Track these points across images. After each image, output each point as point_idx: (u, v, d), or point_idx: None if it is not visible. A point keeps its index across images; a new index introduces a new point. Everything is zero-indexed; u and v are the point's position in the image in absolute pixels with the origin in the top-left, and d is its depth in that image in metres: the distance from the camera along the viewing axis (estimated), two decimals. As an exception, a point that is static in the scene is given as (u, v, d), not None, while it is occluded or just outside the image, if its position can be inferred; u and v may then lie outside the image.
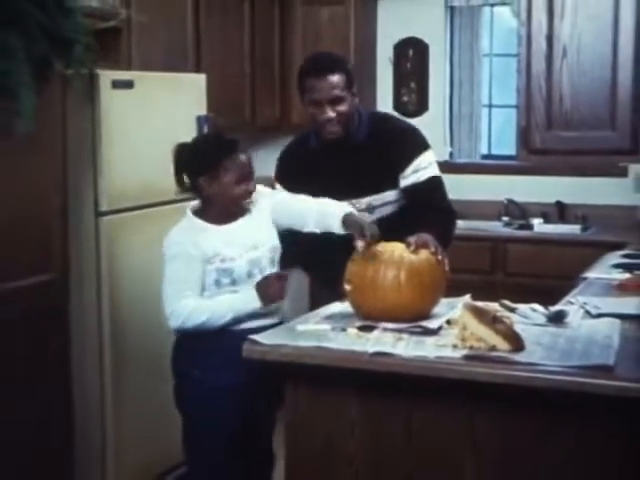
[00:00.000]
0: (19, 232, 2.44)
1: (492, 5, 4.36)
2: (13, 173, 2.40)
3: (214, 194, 2.18)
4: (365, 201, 2.37)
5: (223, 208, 2.20)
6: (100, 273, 2.70)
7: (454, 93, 4.39)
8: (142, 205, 2.80)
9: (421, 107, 4.30)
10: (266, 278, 2.17)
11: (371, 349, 1.82)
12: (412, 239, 2.06)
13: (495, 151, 4.58)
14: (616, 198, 3.93)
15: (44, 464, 2.56)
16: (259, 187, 2.26)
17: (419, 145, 2.40)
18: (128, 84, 2.73)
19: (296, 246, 2.34)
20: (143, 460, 2.84)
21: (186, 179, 2.22)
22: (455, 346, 1.81)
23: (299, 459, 1.94)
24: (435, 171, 2.41)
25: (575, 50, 3.64)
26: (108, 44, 2.83)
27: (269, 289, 2.15)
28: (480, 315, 1.83)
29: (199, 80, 3.14)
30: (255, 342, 1.93)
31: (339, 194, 2.24)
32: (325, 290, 2.39)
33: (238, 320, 2.16)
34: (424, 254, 2.04)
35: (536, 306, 2.08)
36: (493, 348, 1.77)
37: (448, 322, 1.97)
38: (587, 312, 2.12)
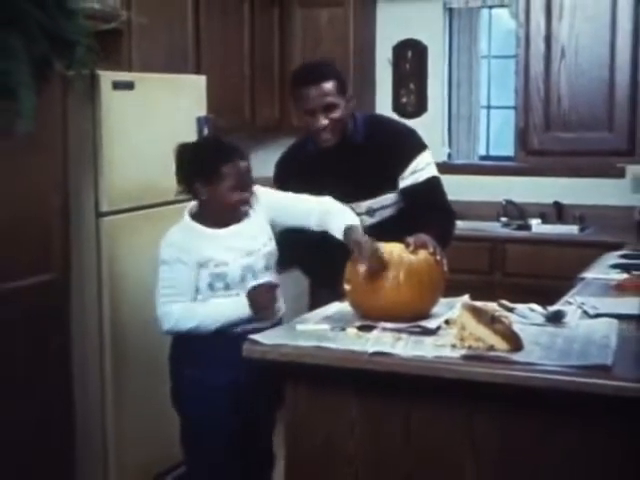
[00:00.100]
0: (20, 232, 2.45)
1: (490, 7, 4.38)
2: (14, 173, 2.41)
3: (209, 199, 2.17)
4: (365, 204, 2.37)
5: (218, 213, 2.20)
6: (101, 273, 2.70)
7: (453, 94, 4.41)
8: (142, 206, 2.81)
9: (420, 108, 4.31)
10: (257, 287, 2.16)
11: (370, 349, 1.83)
12: (411, 239, 2.06)
13: (493, 152, 4.59)
14: (614, 199, 3.95)
15: (45, 464, 2.56)
16: (258, 187, 2.25)
17: (416, 146, 2.40)
18: (129, 85, 2.73)
19: (296, 246, 2.35)
20: (144, 460, 2.85)
21: (184, 181, 2.22)
22: (454, 346, 1.82)
23: (299, 459, 1.95)
24: (433, 172, 2.41)
25: (573, 51, 3.66)
26: (109, 45, 2.82)
27: (259, 298, 2.14)
28: (479, 315, 1.83)
29: (199, 81, 3.15)
30: (255, 342, 1.94)
31: (338, 198, 2.24)
32: (325, 290, 2.40)
33: (233, 324, 2.16)
34: (423, 254, 2.05)
35: (534, 306, 2.09)
36: (491, 348, 1.78)
37: (447, 322, 1.98)
38: (585, 312, 2.12)
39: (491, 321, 1.82)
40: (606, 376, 1.65)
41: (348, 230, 2.11)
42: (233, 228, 2.21)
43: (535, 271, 3.64)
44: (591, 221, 3.95)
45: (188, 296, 2.18)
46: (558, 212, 4.07)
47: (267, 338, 1.96)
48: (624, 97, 3.60)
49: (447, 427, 1.81)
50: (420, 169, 2.37)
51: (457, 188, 3.60)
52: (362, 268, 2.00)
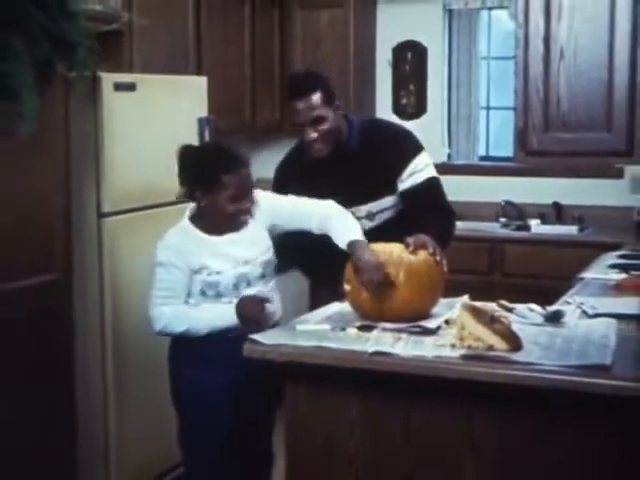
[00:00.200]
0: (22, 232, 2.46)
1: (490, 8, 4.38)
2: (16, 174, 2.42)
3: (209, 207, 2.17)
4: (364, 208, 2.37)
5: (217, 221, 2.19)
6: (102, 273, 2.71)
7: (452, 95, 4.41)
8: (144, 206, 2.82)
9: (420, 109, 4.32)
10: (245, 299, 2.15)
11: (370, 349, 1.83)
12: (411, 240, 2.07)
13: (493, 153, 4.60)
14: (612, 199, 3.96)
15: (47, 463, 2.57)
16: (258, 192, 2.24)
17: (413, 148, 2.40)
18: (130, 86, 2.74)
19: (296, 247, 2.35)
20: (145, 459, 2.85)
21: (185, 185, 2.21)
22: (453, 346, 1.82)
23: (299, 458, 1.95)
24: (432, 172, 2.40)
25: (572, 52, 3.66)
26: (110, 47, 2.83)
27: (247, 310, 2.14)
28: (478, 315, 1.84)
29: (200, 82, 3.16)
30: (255, 342, 1.94)
31: (338, 203, 2.23)
32: (325, 290, 2.41)
33: (223, 331, 2.15)
34: (422, 255, 2.06)
35: (533, 306, 2.10)
36: (491, 348, 1.78)
37: (446, 322, 1.98)
38: (584, 312, 2.13)
39: (490, 321, 1.82)
40: (605, 376, 1.66)
41: (352, 245, 2.09)
42: (231, 236, 2.20)
43: (534, 271, 3.64)
44: (590, 221, 3.96)
45: (181, 299, 2.19)
46: (557, 212, 4.08)
47: (267, 338, 1.96)
48: (623, 98, 3.61)
49: (447, 426, 1.81)
50: (418, 170, 2.37)
51: (457, 188, 3.62)
52: (366, 285, 2.00)
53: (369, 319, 2.03)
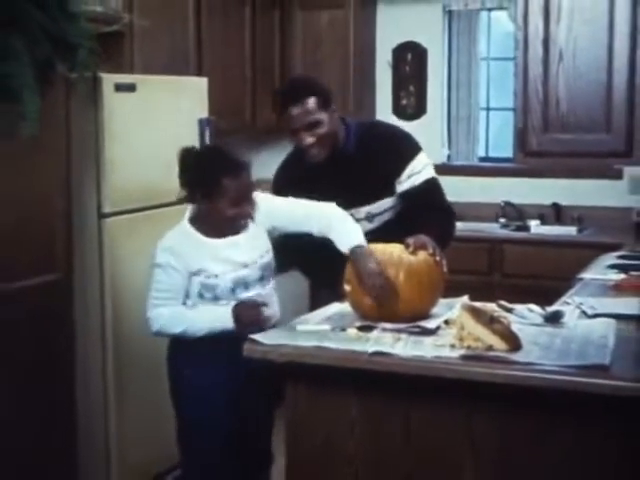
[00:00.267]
0: (23, 233, 2.46)
1: (489, 9, 4.39)
2: (17, 175, 2.43)
3: (208, 210, 2.17)
4: (363, 210, 2.37)
5: (216, 224, 2.19)
6: (103, 273, 2.72)
7: (452, 96, 4.42)
8: (144, 207, 2.82)
9: (419, 110, 4.33)
10: (241, 304, 2.16)
11: (370, 349, 1.84)
12: (410, 240, 2.08)
13: (492, 153, 4.61)
14: (611, 200, 3.96)
15: (48, 464, 2.58)
16: (258, 194, 2.23)
17: (411, 149, 2.39)
18: (131, 87, 2.75)
19: (296, 247, 2.35)
20: (146, 459, 2.86)
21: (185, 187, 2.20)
22: (453, 346, 1.83)
23: (299, 458, 1.95)
24: (430, 173, 2.40)
25: (571, 54, 3.68)
26: (111, 48, 2.83)
27: (243, 314, 2.14)
28: (478, 315, 1.84)
29: (200, 83, 3.17)
30: (255, 341, 1.95)
31: (337, 205, 2.23)
32: (325, 291, 2.41)
33: (218, 334, 2.15)
34: (422, 255, 2.06)
35: (533, 306, 2.10)
36: (490, 348, 1.79)
37: (446, 322, 1.99)
38: (583, 312, 2.13)
39: (490, 321, 1.83)
40: (604, 376, 1.66)
41: (354, 251, 2.08)
42: (231, 239, 2.20)
43: (534, 272, 3.65)
44: (589, 222, 3.97)
45: (179, 300, 2.19)
46: (556, 213, 4.09)
47: (267, 338, 1.97)
48: (621, 99, 3.62)
49: (446, 426, 1.82)
50: (417, 172, 2.37)
51: (456, 189, 3.63)
52: (369, 292, 2.00)
53: (369, 319, 2.03)
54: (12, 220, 2.42)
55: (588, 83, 3.66)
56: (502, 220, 4.14)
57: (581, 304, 2.20)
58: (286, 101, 2.29)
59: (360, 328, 1.99)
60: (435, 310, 2.08)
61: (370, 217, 2.38)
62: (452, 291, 2.16)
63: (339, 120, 2.37)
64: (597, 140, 3.68)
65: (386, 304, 2.00)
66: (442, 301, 2.11)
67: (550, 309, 2.10)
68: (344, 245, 2.11)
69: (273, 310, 2.25)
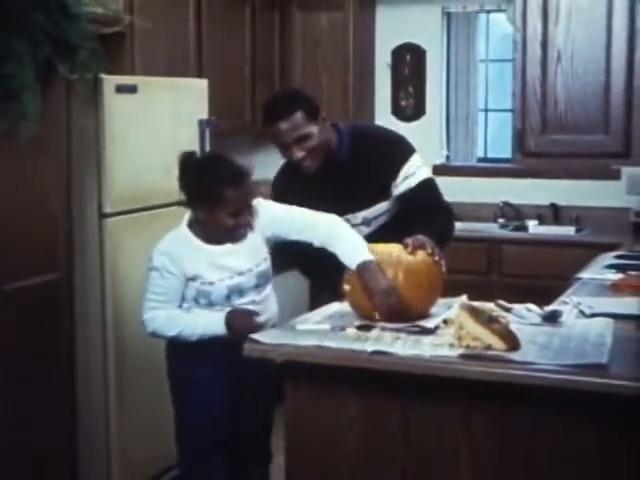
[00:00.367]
0: (24, 233, 2.47)
1: (488, 11, 4.41)
2: (18, 175, 2.43)
3: (208, 219, 2.15)
4: (360, 215, 2.37)
5: (214, 231, 2.18)
6: (104, 273, 2.72)
7: (451, 97, 4.44)
8: (145, 207, 2.83)
9: (418, 111, 4.34)
10: (234, 311, 2.16)
11: (369, 348, 1.84)
12: (409, 240, 2.08)
13: (491, 154, 4.64)
14: (609, 200, 3.98)
15: (48, 464, 2.58)
16: (259, 201, 2.22)
17: (404, 152, 2.38)
18: (131, 88, 2.75)
19: (295, 248, 2.35)
20: (146, 458, 2.86)
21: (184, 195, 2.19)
22: (452, 345, 1.83)
23: (299, 456, 1.96)
24: (425, 174, 2.40)
25: (569, 55, 3.69)
26: (112, 49, 2.83)
27: (236, 322, 2.14)
28: (476, 315, 1.84)
29: (201, 84, 3.17)
30: (255, 341, 1.95)
31: (334, 211, 2.22)
32: (325, 290, 2.41)
33: (211, 339, 2.16)
34: (421, 255, 2.07)
35: (531, 306, 2.10)
36: (489, 347, 1.79)
37: (445, 322, 1.99)
38: (581, 312, 2.14)
39: (488, 321, 1.83)
40: (602, 375, 1.67)
41: (362, 267, 2.03)
42: (229, 246, 2.20)
43: (532, 272, 3.66)
44: (587, 222, 3.99)
45: (175, 304, 2.20)
46: (555, 213, 4.11)
47: (267, 337, 1.97)
48: (619, 100, 3.63)
49: (445, 425, 1.82)
50: (411, 174, 2.36)
51: (455, 190, 3.64)
52: (379, 310, 1.99)
53: (368, 319, 2.04)
54: (13, 220, 2.42)
55: (586, 84, 3.67)
56: (501, 220, 4.16)
57: (579, 304, 2.21)
58: (273, 117, 2.28)
59: (359, 327, 1.99)
60: (434, 310, 2.08)
61: (367, 221, 2.39)
62: (451, 291, 2.17)
63: (330, 128, 2.36)
64: (595, 141, 3.69)
65: (396, 318, 1.99)
66: (441, 301, 2.12)
67: (548, 309, 2.11)
68: (351, 261, 2.06)
69: (267, 316, 2.25)
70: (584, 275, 2.76)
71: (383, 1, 4.32)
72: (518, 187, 4.18)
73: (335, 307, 2.20)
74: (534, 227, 4.05)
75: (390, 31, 4.32)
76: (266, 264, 2.25)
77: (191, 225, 2.21)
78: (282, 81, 4.21)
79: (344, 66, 4.15)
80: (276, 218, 2.23)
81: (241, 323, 2.14)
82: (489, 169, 4.35)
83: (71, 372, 2.73)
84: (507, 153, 4.31)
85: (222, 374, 2.22)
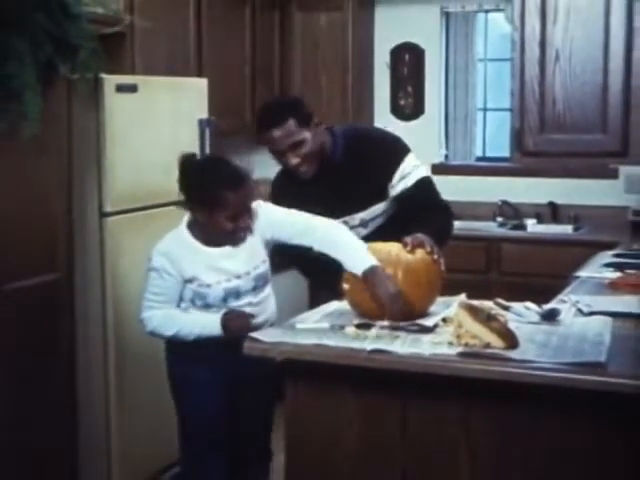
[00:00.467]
0: (25, 232, 2.47)
1: (487, 11, 4.42)
2: (19, 175, 2.44)
3: (207, 222, 2.15)
4: (357, 217, 2.38)
5: (213, 234, 2.18)
6: (104, 273, 2.73)
7: (449, 97, 4.44)
8: (145, 206, 2.83)
9: (417, 110, 4.35)
10: (230, 313, 2.17)
11: (369, 346, 1.84)
12: (409, 239, 2.08)
13: (489, 153, 4.65)
14: (607, 199, 3.99)
15: (49, 463, 2.59)
16: (259, 203, 2.22)
17: (399, 152, 2.38)
18: (132, 88, 2.76)
19: (295, 248, 2.37)
20: (146, 457, 2.86)
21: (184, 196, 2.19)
22: (450, 343, 1.84)
23: (298, 455, 1.96)
24: (421, 173, 2.40)
25: (567, 55, 3.70)
26: (112, 49, 2.83)
27: (232, 324, 2.15)
28: (475, 313, 1.85)
29: (201, 84, 3.18)
30: (255, 339, 1.95)
31: (331, 215, 2.22)
32: (324, 289, 2.41)
33: (207, 339, 2.17)
34: (420, 254, 2.07)
35: (529, 304, 2.11)
36: (488, 345, 1.80)
37: (444, 320, 2.00)
38: (579, 310, 2.14)
39: (487, 319, 1.83)
40: (600, 373, 1.67)
41: (368, 273, 2.02)
42: (227, 249, 2.20)
43: (530, 270, 3.67)
44: (585, 221, 4.00)
45: (173, 304, 2.21)
46: (553, 212, 4.12)
47: (267, 336, 1.97)
48: (617, 100, 3.64)
49: (444, 423, 1.83)
50: (407, 174, 2.36)
51: (454, 189, 3.66)
52: (389, 316, 1.99)
53: (367, 317, 2.05)
54: (13, 219, 2.42)
55: (584, 84, 3.68)
56: (499, 219, 4.17)
57: (577, 302, 2.21)
58: (266, 125, 2.28)
59: (358, 326, 2.00)
60: (433, 308, 2.09)
61: (364, 223, 2.39)
62: (450, 289, 2.17)
63: (324, 132, 2.36)
64: (593, 140, 3.70)
65: (402, 319, 1.99)
66: (440, 299, 2.12)
67: (546, 307, 2.11)
68: (356, 268, 2.04)
69: (264, 317, 2.25)
70: (582, 273, 2.76)
71: (382, 1, 4.33)
72: (516, 186, 4.19)
73: (334, 306, 2.20)
74: (532, 226, 4.06)
75: (389, 31, 4.33)
76: (264, 267, 2.25)
77: (190, 226, 2.22)
78: (282, 81, 4.21)
79: (343, 66, 4.16)
80: (276, 221, 2.22)
81: (236, 324, 2.15)
82: (488, 168, 4.36)
83: (71, 372, 2.73)
84: (505, 152, 4.32)
85: (219, 374, 2.23)
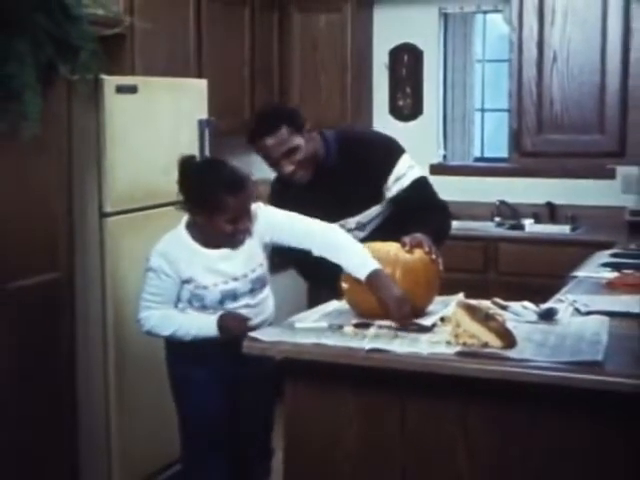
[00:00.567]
0: (25, 232, 2.48)
1: (485, 12, 4.43)
2: (19, 175, 2.44)
3: (206, 224, 2.15)
4: (354, 220, 2.38)
5: (212, 236, 2.18)
6: (104, 273, 2.73)
7: (448, 97, 4.45)
8: (145, 206, 2.84)
9: (416, 111, 4.36)
10: (227, 315, 2.17)
11: (367, 346, 1.85)
12: (407, 239, 2.09)
13: (487, 154, 4.66)
14: (604, 199, 4.00)
15: (49, 463, 2.59)
16: (259, 206, 2.22)
17: (393, 154, 2.38)
18: (132, 89, 2.76)
19: (294, 249, 2.37)
20: (147, 456, 2.87)
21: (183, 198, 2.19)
22: (448, 343, 1.84)
23: (298, 454, 1.97)
24: (416, 173, 2.40)
25: (565, 56, 3.71)
26: (112, 50, 2.84)
27: (229, 326, 2.16)
28: (473, 313, 1.85)
29: (200, 85, 3.18)
30: (254, 339, 1.96)
31: (328, 219, 2.22)
32: (323, 289, 2.42)
33: (204, 340, 2.18)
34: (418, 253, 2.08)
35: (527, 304, 2.11)
36: (485, 345, 1.80)
37: (442, 319, 2.00)
38: (577, 310, 2.15)
39: (485, 318, 1.84)
40: (597, 372, 1.68)
41: (372, 278, 2.01)
42: (225, 251, 2.20)
43: (528, 270, 3.68)
44: (583, 221, 4.01)
45: (170, 304, 2.22)
46: (550, 212, 4.13)
47: (266, 335, 1.98)
48: (614, 100, 3.65)
49: (442, 422, 1.83)
50: (402, 175, 2.37)
51: (452, 189, 3.67)
52: (395, 320, 1.98)
53: (366, 317, 2.05)
54: (13, 219, 2.43)
55: (582, 84, 3.69)
56: (497, 219, 4.18)
57: (574, 302, 2.22)
58: (259, 134, 2.29)
59: (357, 325, 2.01)
60: (431, 308, 2.10)
61: (361, 226, 2.40)
62: (448, 289, 2.18)
63: (317, 137, 2.37)
64: (590, 141, 3.71)
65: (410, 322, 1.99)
66: (438, 299, 2.13)
67: (544, 306, 2.12)
68: (359, 272, 2.03)
69: (262, 319, 2.25)
70: (580, 273, 2.77)
71: (381, 2, 4.34)
72: (514, 186, 4.20)
73: (333, 305, 2.21)
74: (530, 226, 4.07)
75: (387, 32, 4.33)
76: (262, 269, 2.25)
77: (189, 227, 2.22)
78: (281, 81, 4.22)
79: (342, 66, 4.17)
80: (275, 224, 2.22)
81: (232, 326, 2.15)
82: (486, 168, 4.37)
83: (72, 371, 2.74)
84: (503, 152, 4.33)
85: (219, 374, 2.23)
